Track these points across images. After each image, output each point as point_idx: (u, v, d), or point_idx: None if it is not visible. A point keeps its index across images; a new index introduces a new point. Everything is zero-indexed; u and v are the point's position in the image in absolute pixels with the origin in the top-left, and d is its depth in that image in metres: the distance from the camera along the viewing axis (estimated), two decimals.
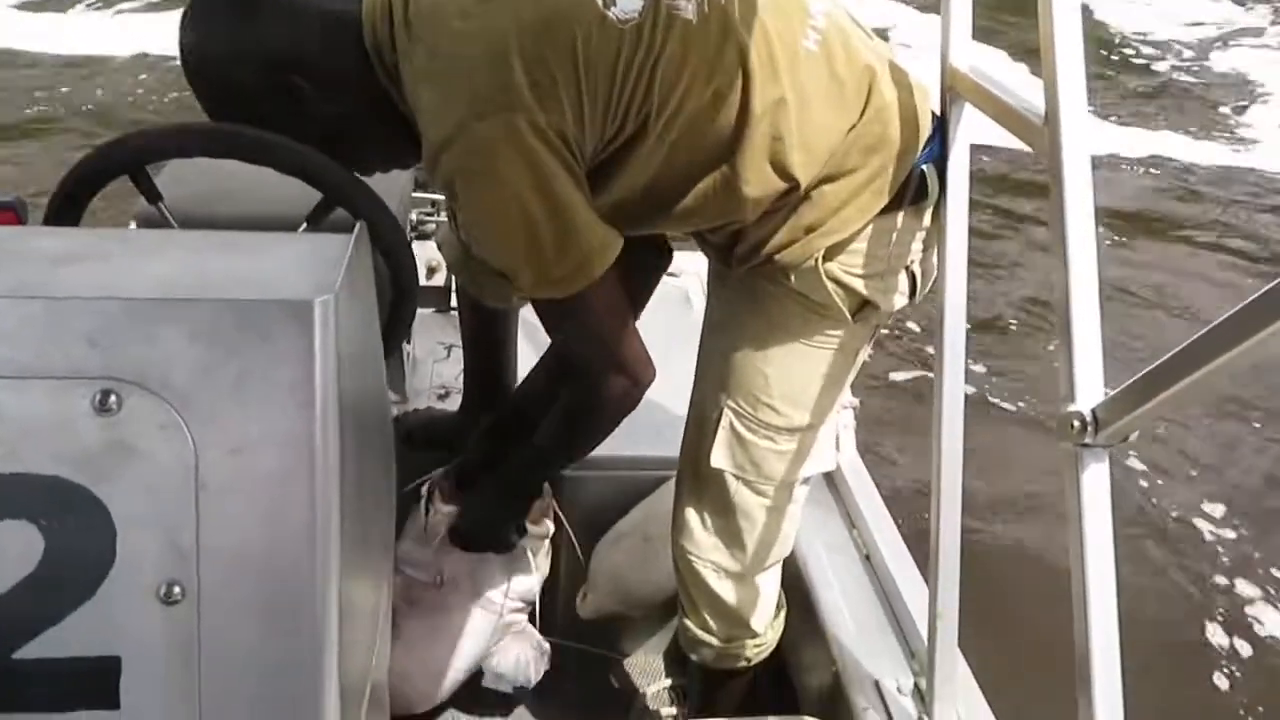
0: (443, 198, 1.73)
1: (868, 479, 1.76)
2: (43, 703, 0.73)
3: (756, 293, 1.30)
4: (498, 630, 1.59)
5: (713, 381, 1.37)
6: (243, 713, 0.75)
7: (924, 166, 1.26)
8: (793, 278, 1.26)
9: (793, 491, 1.41)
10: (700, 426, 1.39)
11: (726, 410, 1.34)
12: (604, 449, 1.75)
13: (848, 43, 1.22)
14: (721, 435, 1.35)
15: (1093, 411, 0.89)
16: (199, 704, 0.74)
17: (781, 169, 1.18)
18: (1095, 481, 0.90)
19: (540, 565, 1.57)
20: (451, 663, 1.57)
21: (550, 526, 1.55)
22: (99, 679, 0.73)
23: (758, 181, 1.18)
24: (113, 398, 0.72)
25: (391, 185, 1.32)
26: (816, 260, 1.24)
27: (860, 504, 1.70)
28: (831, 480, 1.77)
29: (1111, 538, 0.91)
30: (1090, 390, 0.92)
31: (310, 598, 0.76)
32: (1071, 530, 0.91)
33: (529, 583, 1.57)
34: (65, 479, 0.72)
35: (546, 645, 1.66)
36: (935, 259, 1.32)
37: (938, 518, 1.27)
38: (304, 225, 1.10)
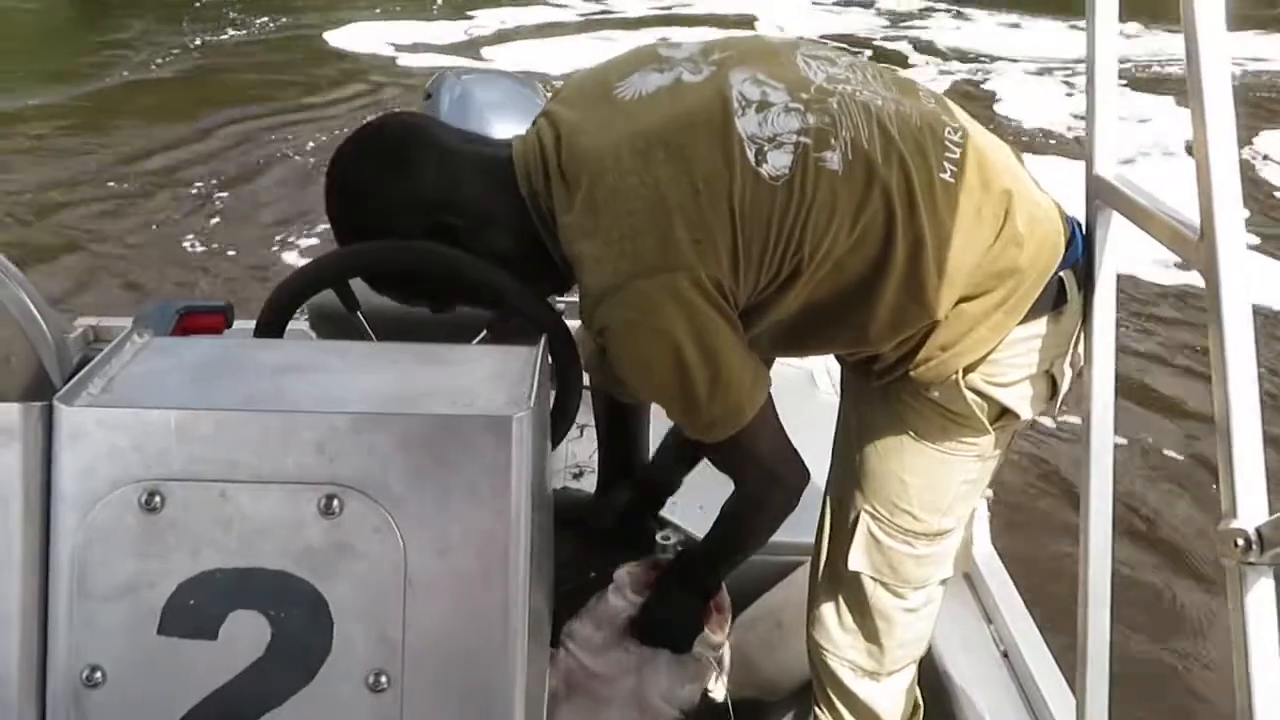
0: None
1: (1003, 573, 1.75)
2: None
3: (894, 402, 1.32)
4: None
5: (849, 484, 1.39)
6: None
7: (1062, 273, 1.26)
8: (932, 390, 1.28)
9: (930, 593, 1.41)
10: (837, 528, 1.41)
11: (864, 514, 1.36)
12: None
13: (983, 167, 1.22)
14: (859, 539, 1.37)
15: (1257, 530, 0.90)
16: None
17: (921, 300, 1.20)
18: (1260, 600, 0.90)
19: (706, 676, 1.55)
20: None
21: (725, 639, 1.54)
22: None
23: (896, 314, 1.20)
24: (335, 502, 0.80)
25: None
26: (957, 375, 1.26)
27: (997, 598, 1.69)
28: (966, 574, 1.76)
29: (1279, 656, 0.90)
30: (1253, 507, 0.92)
31: (502, 687, 0.82)
32: (1235, 649, 0.91)
33: (691, 692, 1.55)
34: (292, 574, 0.80)
35: None
36: (1075, 362, 1.32)
37: (1085, 623, 1.26)
38: (484, 332, 1.18)
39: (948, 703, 1.55)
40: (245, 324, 1.29)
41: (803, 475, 1.26)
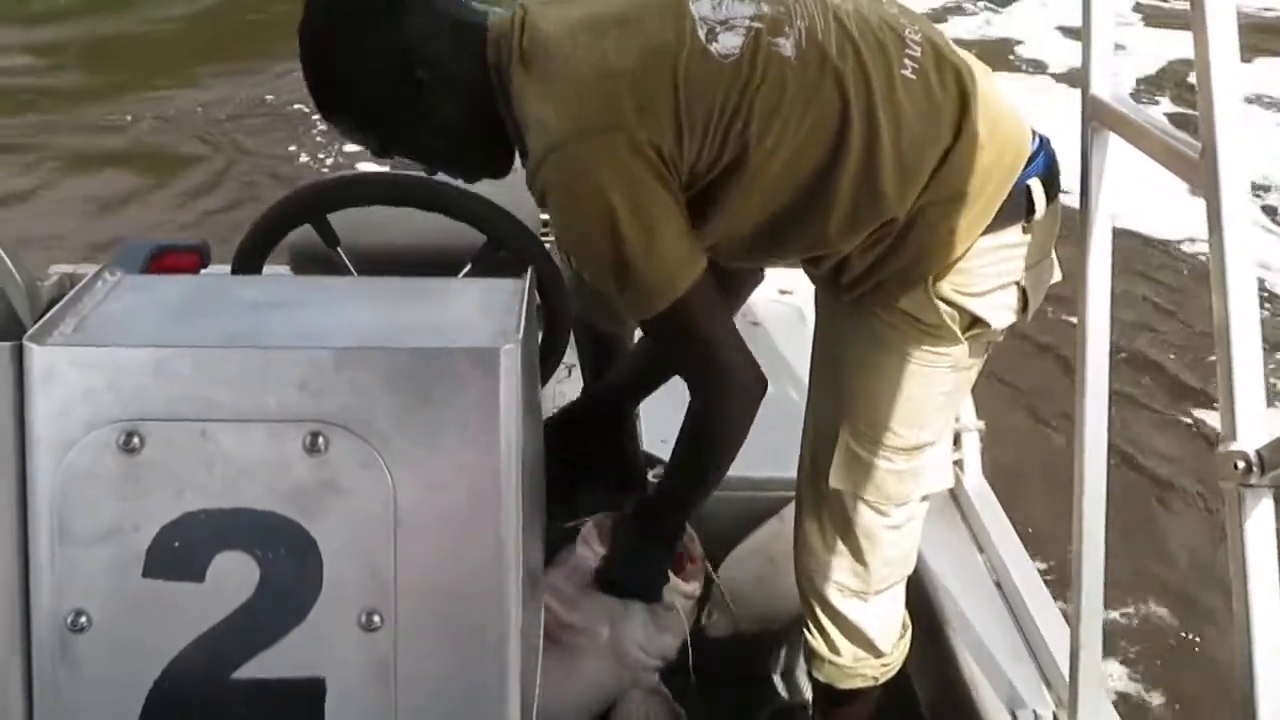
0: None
1: (995, 502, 1.75)
2: None
3: (865, 316, 1.32)
4: (624, 683, 1.55)
5: (827, 403, 1.39)
6: None
7: (1029, 182, 1.26)
8: (902, 301, 1.28)
9: (912, 510, 1.41)
10: (817, 448, 1.41)
11: (843, 432, 1.36)
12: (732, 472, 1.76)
13: (943, 68, 1.24)
14: (839, 457, 1.37)
15: (1257, 452, 0.89)
16: None
17: (877, 195, 1.21)
18: (1260, 523, 0.89)
19: (682, 626, 1.54)
20: (572, 706, 1.52)
21: (699, 588, 1.54)
22: (306, 700, 0.79)
23: (853, 211, 1.21)
24: (321, 439, 0.78)
25: (520, 210, 1.37)
26: (926, 283, 1.26)
27: (989, 528, 1.69)
28: (958, 504, 1.77)
29: (1278, 580, 0.90)
30: (1253, 428, 0.91)
31: (496, 624, 0.81)
32: (1234, 572, 0.90)
33: (669, 642, 1.55)
34: (279, 514, 0.79)
35: (681, 711, 1.60)
36: (1046, 275, 1.33)
37: (1080, 542, 1.26)
38: (468, 266, 1.16)
39: (939, 628, 1.56)
40: (221, 267, 1.26)
41: (757, 378, 1.25)
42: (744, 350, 1.26)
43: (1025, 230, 1.27)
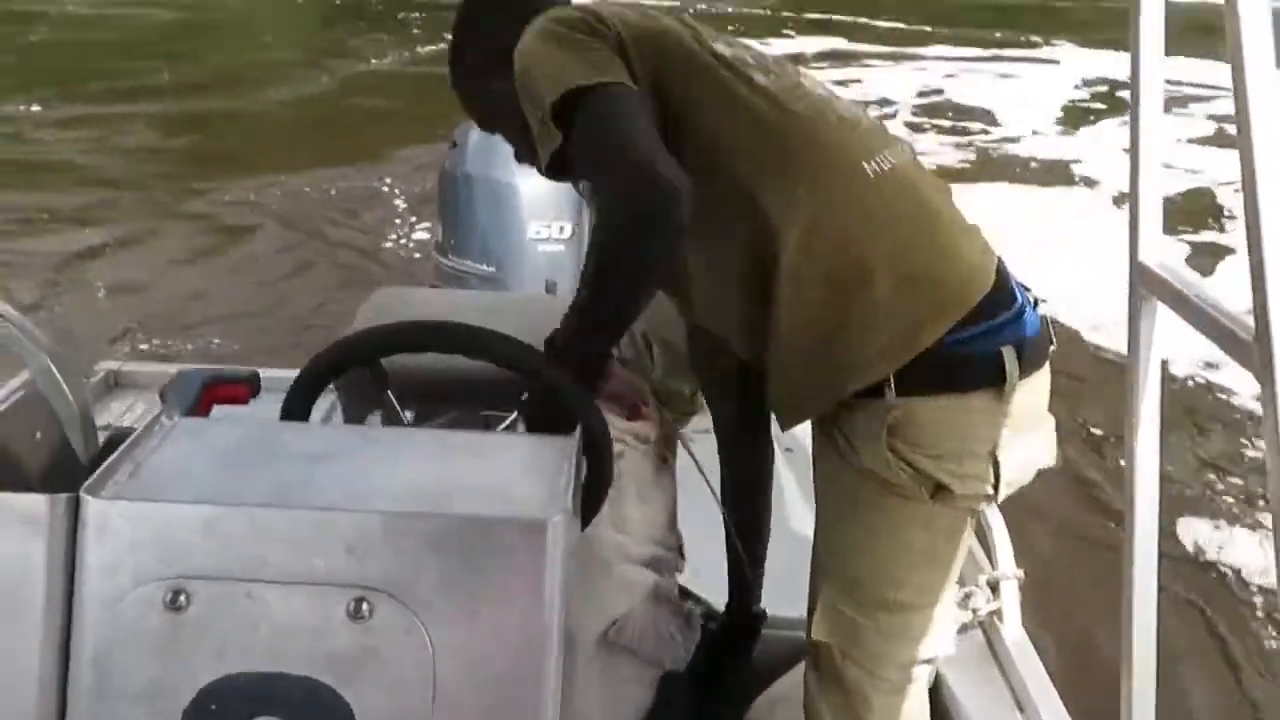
0: None
1: (1034, 656, 1.70)
2: None
3: (836, 467, 1.30)
4: (614, 581, 1.32)
5: (817, 552, 1.37)
6: None
7: (1003, 348, 1.22)
8: (864, 455, 1.25)
9: (909, 673, 1.36)
10: (809, 598, 1.38)
11: (825, 583, 1.34)
12: (768, 608, 1.73)
13: (901, 192, 1.25)
14: (820, 608, 1.34)
15: None
16: None
17: (768, 233, 1.22)
18: None
19: (653, 495, 1.33)
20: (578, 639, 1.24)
21: (650, 430, 1.33)
22: None
23: (745, 243, 1.23)
24: (365, 605, 0.78)
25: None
26: (881, 439, 1.23)
27: (1028, 684, 1.63)
28: (995, 656, 1.72)
29: None
30: None
31: None
32: None
33: (648, 515, 1.34)
34: (316, 679, 0.78)
35: (695, 610, 1.44)
36: (1033, 450, 1.29)
37: (1130, 709, 1.22)
38: (514, 414, 1.16)
39: None
40: (274, 372, 1.25)
41: (666, 175, 1.10)
42: (658, 157, 1.12)
43: (994, 398, 1.23)
